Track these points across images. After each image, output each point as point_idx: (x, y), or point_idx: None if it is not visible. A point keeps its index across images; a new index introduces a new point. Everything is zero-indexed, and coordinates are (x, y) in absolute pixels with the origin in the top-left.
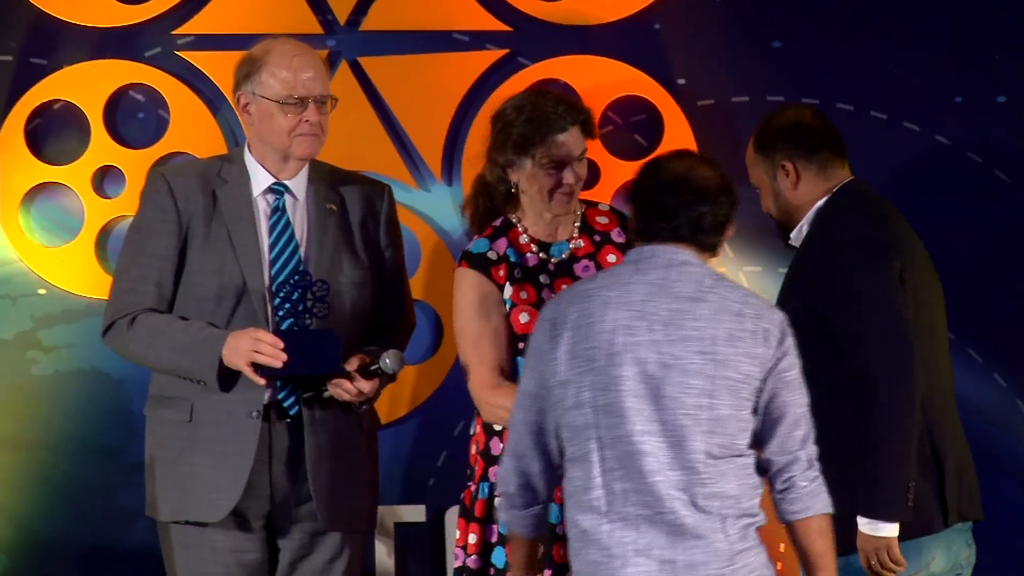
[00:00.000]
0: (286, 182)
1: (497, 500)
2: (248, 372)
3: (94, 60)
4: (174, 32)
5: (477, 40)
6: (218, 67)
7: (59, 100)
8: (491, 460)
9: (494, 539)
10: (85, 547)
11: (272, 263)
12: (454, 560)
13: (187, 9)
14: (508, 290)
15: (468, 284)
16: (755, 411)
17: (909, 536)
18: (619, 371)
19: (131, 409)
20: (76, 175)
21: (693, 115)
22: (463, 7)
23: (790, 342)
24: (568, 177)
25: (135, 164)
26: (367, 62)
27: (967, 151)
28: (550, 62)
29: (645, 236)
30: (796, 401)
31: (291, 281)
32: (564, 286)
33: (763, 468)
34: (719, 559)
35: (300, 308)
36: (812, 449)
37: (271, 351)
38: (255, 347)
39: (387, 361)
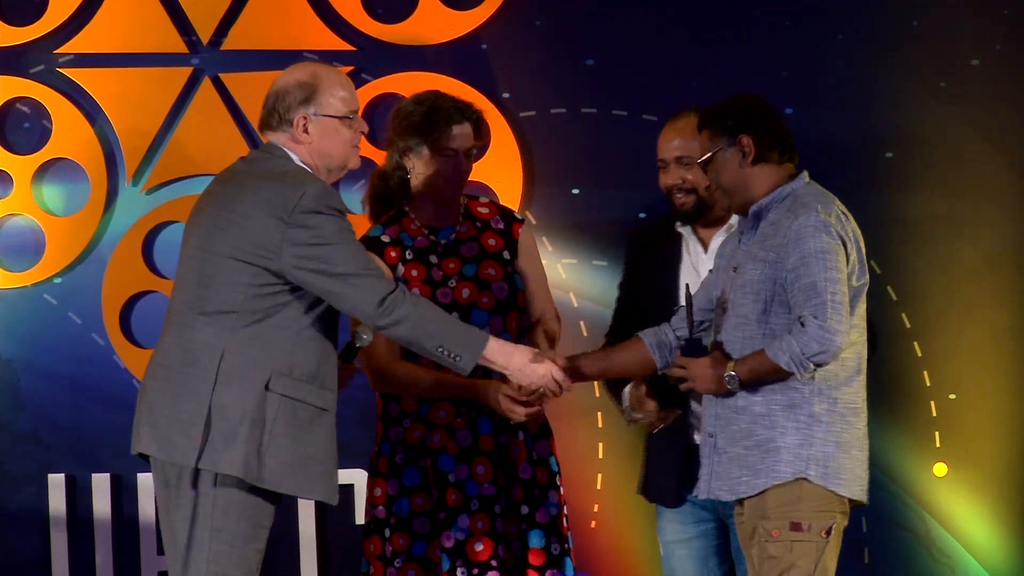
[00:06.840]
0: None
1: None
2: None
3: None
4: (56, 51)
5: (325, 58)
6: (95, 82)
7: None
8: (389, 421)
9: (395, 492)
10: None
11: None
12: (364, 517)
13: (67, 31)
14: (400, 269)
15: None
16: None
17: None
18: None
19: (17, 386)
20: None
21: (516, 125)
22: (313, 29)
23: None
24: (460, 165)
25: (21, 168)
26: (228, 78)
27: None
28: (391, 78)
29: (784, 160)
30: None
31: None
32: (452, 265)
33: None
34: None
35: None
36: None
37: (556, 389)
38: (550, 382)
39: (364, 336)
